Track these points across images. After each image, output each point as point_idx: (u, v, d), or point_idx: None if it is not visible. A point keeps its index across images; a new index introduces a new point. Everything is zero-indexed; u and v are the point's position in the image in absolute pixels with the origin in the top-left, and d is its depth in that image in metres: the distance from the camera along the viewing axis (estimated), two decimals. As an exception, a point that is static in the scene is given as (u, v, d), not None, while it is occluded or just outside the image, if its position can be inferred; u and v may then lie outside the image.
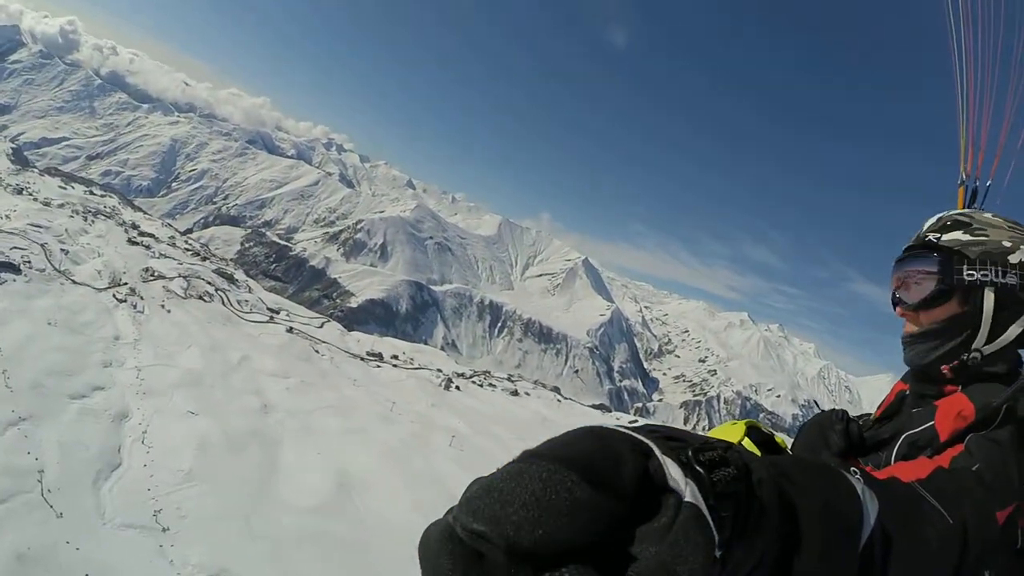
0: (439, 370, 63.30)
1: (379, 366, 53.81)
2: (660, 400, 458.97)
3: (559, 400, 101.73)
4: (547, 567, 0.50)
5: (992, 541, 1.20)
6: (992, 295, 1.58)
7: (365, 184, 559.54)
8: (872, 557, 0.84)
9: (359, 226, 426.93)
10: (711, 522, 0.59)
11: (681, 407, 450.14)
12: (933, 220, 1.73)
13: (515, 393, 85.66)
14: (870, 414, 1.98)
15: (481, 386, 79.60)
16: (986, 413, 1.43)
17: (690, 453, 0.66)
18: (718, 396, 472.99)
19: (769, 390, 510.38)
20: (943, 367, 1.65)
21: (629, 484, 0.56)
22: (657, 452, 0.62)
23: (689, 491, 0.59)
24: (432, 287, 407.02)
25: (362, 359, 53.47)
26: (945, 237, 1.65)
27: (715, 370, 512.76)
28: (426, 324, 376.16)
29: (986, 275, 1.58)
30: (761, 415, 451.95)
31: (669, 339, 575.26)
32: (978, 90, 2.07)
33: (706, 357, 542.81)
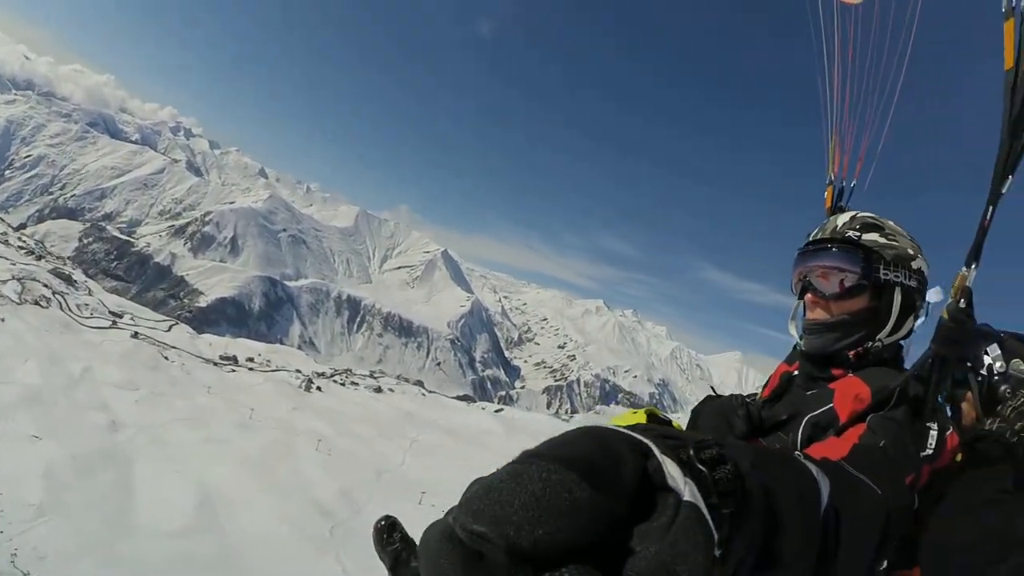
0: (298, 371, 62.06)
1: (234, 370, 52.07)
2: (523, 387, 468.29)
3: (423, 394, 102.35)
4: (547, 567, 0.50)
5: (907, 507, 1.42)
6: (900, 294, 1.78)
7: (214, 172, 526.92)
8: (827, 532, 0.90)
9: (207, 218, 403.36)
10: (710, 521, 0.59)
11: (544, 392, 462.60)
12: (847, 218, 1.87)
13: (378, 390, 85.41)
14: (756, 394, 2.13)
15: (343, 385, 78.74)
16: (883, 395, 1.58)
17: (691, 452, 0.68)
18: (578, 380, 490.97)
19: (626, 371, 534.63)
20: (850, 352, 1.80)
21: (629, 484, 0.57)
22: (656, 451, 0.62)
23: (688, 490, 0.60)
24: (287, 283, 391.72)
25: (215, 364, 51.48)
26: (865, 237, 1.80)
27: (574, 355, 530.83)
28: (281, 322, 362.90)
29: (897, 276, 1.77)
30: (619, 395, 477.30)
31: (529, 327, 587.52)
32: (844, 98, 2.35)
33: (565, 343, 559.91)
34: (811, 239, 1.93)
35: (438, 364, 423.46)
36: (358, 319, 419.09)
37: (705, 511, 0.59)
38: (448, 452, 60.45)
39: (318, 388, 59.92)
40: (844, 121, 2.29)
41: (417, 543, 1.70)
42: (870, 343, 1.81)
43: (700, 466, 0.66)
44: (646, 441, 0.63)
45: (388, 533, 2.12)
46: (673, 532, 0.55)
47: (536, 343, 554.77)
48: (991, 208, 1.57)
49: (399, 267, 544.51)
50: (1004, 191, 1.55)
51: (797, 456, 0.97)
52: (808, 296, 1.87)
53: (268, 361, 59.07)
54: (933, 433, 1.55)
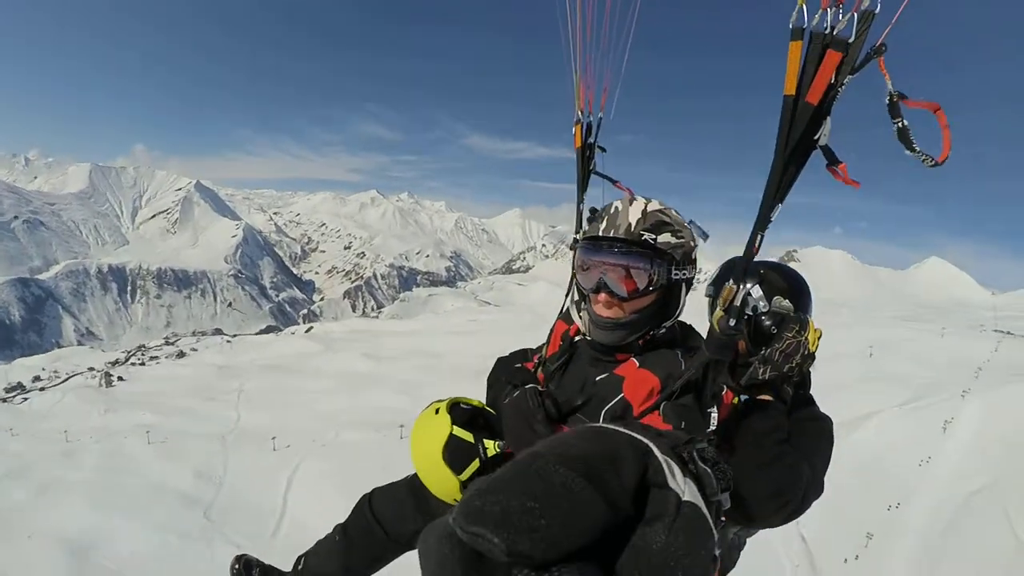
0: (91, 369, 57.35)
1: (26, 398, 46.98)
2: (322, 299, 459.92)
3: (228, 341, 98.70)
4: (548, 567, 0.51)
5: None
6: (686, 288, 1.93)
7: None
8: None
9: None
10: (711, 521, 0.60)
11: (345, 297, 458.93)
12: (638, 214, 1.85)
13: (181, 355, 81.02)
14: (542, 351, 2.21)
15: (143, 364, 73.57)
16: (671, 389, 1.71)
17: (694, 452, 0.69)
18: (374, 275, 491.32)
19: (417, 253, 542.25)
20: (639, 341, 1.91)
21: (629, 483, 0.57)
22: (656, 451, 0.62)
23: (688, 490, 0.60)
24: (39, 277, 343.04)
25: (3, 400, 46.07)
26: (660, 239, 1.83)
27: (363, 252, 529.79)
28: (50, 324, 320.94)
29: (685, 274, 1.88)
30: (419, 277, 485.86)
31: (309, 238, 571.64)
32: (587, 33, 2.22)
33: (350, 243, 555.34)
34: (603, 233, 1.90)
35: (229, 305, 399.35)
36: (129, 287, 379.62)
37: (705, 510, 0.60)
38: (278, 390, 60.29)
39: (119, 378, 56.02)
40: (586, 57, 2.29)
41: (276, 570, 2.87)
42: (655, 331, 1.92)
43: (704, 465, 0.68)
44: (646, 440, 0.63)
45: (247, 573, 2.62)
46: (674, 532, 0.55)
47: (321, 251, 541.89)
48: (760, 235, 1.54)
49: (153, 215, 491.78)
50: (773, 218, 1.51)
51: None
52: (602, 296, 1.90)
53: (56, 372, 53.75)
54: (714, 416, 1.70)
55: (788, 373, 1.91)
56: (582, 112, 2.37)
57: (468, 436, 1.94)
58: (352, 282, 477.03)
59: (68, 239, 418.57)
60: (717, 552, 0.60)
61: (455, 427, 1.94)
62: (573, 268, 2.05)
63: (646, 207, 1.88)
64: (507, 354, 2.43)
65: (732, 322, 1.60)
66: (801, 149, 1.45)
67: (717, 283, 2.37)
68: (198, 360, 71.68)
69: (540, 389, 1.96)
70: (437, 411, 2.02)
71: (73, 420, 41.62)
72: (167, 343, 75.81)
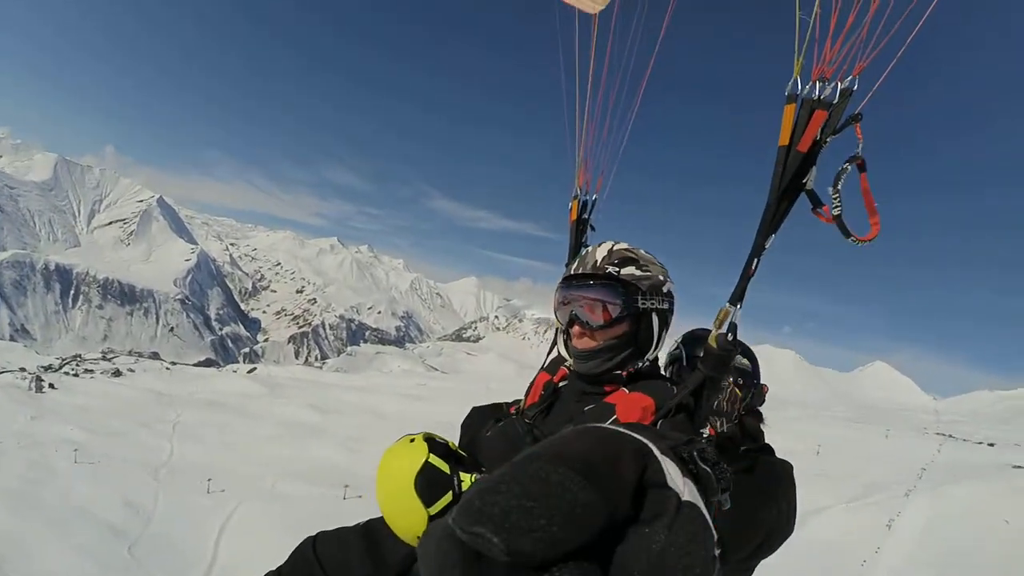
0: (22, 369, 54.15)
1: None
2: (266, 340, 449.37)
3: (167, 368, 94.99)
4: (548, 567, 0.51)
5: None
6: (656, 318, 2.02)
7: None
8: None
9: None
10: (710, 521, 0.60)
11: (289, 342, 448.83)
12: (605, 252, 2.03)
13: (117, 373, 77.72)
14: (520, 400, 2.32)
15: (77, 376, 70.26)
16: (667, 408, 1.79)
17: (694, 452, 0.70)
18: (323, 323, 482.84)
19: (369, 308, 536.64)
20: (622, 372, 2.01)
21: (629, 483, 0.57)
22: (656, 451, 0.62)
23: (688, 490, 0.60)
24: None
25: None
26: (623, 271, 1.98)
27: (315, 298, 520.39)
28: None
29: (653, 303, 2.00)
30: (367, 333, 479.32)
31: (262, 275, 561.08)
32: (587, 122, 2.68)
33: (303, 287, 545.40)
34: (573, 272, 2.07)
35: (171, 330, 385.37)
36: (72, 291, 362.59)
37: (705, 511, 0.60)
38: (216, 427, 57.68)
39: (51, 386, 53.10)
40: (588, 141, 2.70)
41: None
42: (639, 363, 2.03)
43: (704, 465, 0.69)
44: (645, 440, 0.64)
45: None
46: (674, 532, 0.55)
47: (272, 291, 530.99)
48: (756, 260, 1.79)
49: (110, 222, 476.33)
50: (768, 246, 1.78)
51: None
52: (575, 328, 2.03)
53: (-16, 363, 50.54)
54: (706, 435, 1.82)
55: (733, 418, 2.15)
56: (580, 190, 2.80)
57: (444, 467, 1.82)
58: (299, 327, 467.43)
59: (20, 227, 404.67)
60: (716, 552, 0.60)
61: (432, 455, 1.83)
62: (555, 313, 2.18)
63: (613, 246, 2.05)
64: (482, 405, 2.42)
65: (730, 336, 1.79)
66: (792, 188, 1.75)
67: (674, 353, 2.66)
68: (135, 382, 68.46)
69: (527, 421, 2.07)
70: (412, 440, 1.91)
71: (-3, 417, 39.05)
72: (104, 358, 72.48)
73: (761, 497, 2.02)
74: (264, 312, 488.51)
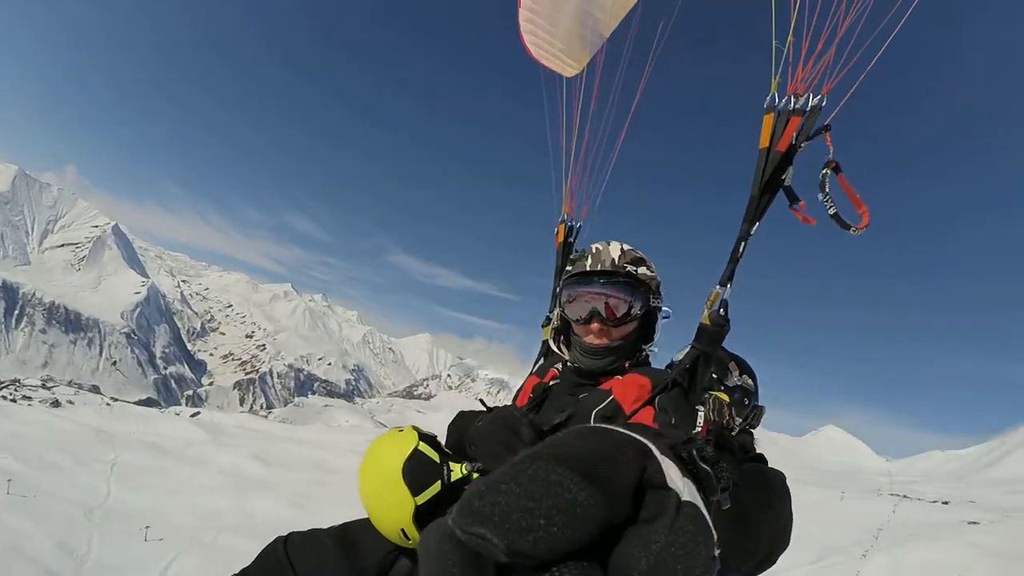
0: (-43, 389, 51.37)
1: None
2: (211, 384, 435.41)
3: (108, 404, 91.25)
4: (547, 567, 0.51)
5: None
6: (660, 316, 2.19)
7: None
8: None
9: None
10: (710, 521, 0.59)
11: (235, 388, 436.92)
12: (618, 252, 2.16)
13: (57, 404, 74.24)
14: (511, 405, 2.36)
15: (13, 401, 66.85)
16: (663, 385, 1.90)
17: (694, 451, 0.70)
18: (271, 371, 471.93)
19: (320, 359, 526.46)
20: (626, 363, 2.13)
21: (628, 483, 0.57)
22: (655, 451, 0.62)
23: (688, 490, 0.60)
24: None
25: None
26: (640, 271, 2.12)
27: (264, 345, 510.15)
28: None
29: (658, 302, 2.16)
30: (316, 384, 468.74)
31: (212, 316, 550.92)
32: (573, 152, 3.02)
33: (253, 332, 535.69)
34: (591, 269, 2.17)
35: (114, 363, 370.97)
36: (16, 311, 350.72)
37: (705, 511, 0.59)
38: (157, 472, 55.16)
39: (-14, 409, 50.22)
40: (575, 173, 3.03)
41: None
42: (640, 354, 2.19)
43: (703, 465, 0.69)
44: (644, 440, 0.63)
45: None
46: (673, 532, 0.55)
47: (221, 333, 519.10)
48: (743, 244, 2.03)
49: (63, 244, 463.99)
50: (753, 233, 2.03)
51: None
52: (595, 324, 2.13)
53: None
54: (701, 414, 1.95)
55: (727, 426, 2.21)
56: (567, 215, 3.07)
57: (434, 455, 1.82)
58: (246, 373, 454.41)
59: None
60: (716, 552, 0.60)
61: (422, 443, 1.83)
62: (560, 308, 2.29)
63: (623, 246, 2.19)
64: (467, 410, 2.42)
65: (722, 311, 1.98)
66: (772, 183, 2.02)
67: None
68: (73, 415, 65.49)
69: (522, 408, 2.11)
70: (401, 431, 1.91)
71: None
72: (44, 386, 69.32)
73: (760, 503, 2.05)
74: (211, 355, 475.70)
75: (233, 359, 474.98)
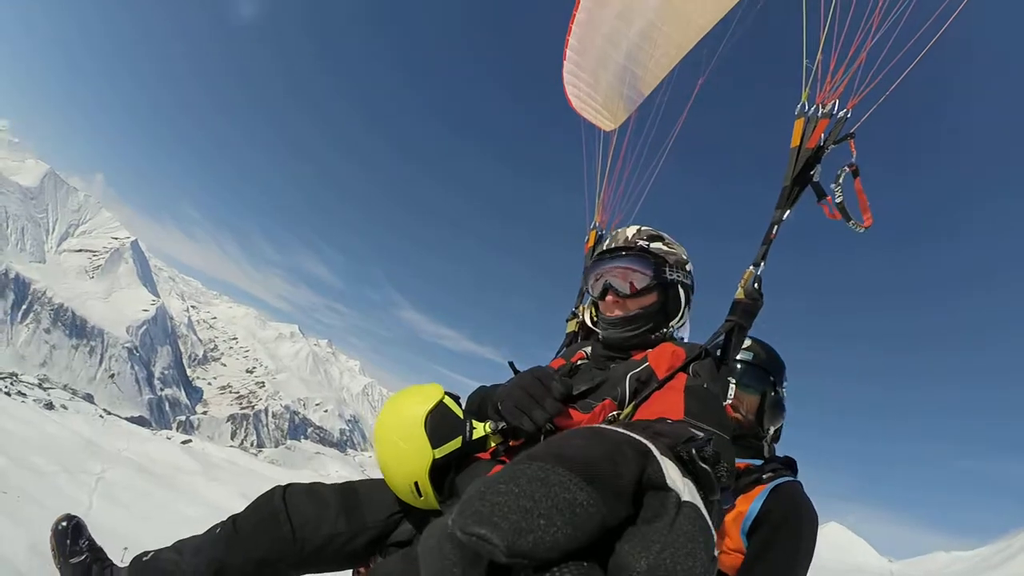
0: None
1: None
2: (205, 413, 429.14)
3: (102, 416, 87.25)
4: (547, 567, 0.52)
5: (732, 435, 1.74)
6: (682, 291, 2.19)
7: None
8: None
9: None
10: (710, 521, 0.60)
11: (228, 421, 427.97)
12: (634, 231, 2.25)
13: (50, 406, 70.58)
14: None
15: (8, 395, 63.40)
16: (696, 353, 1.90)
17: (693, 451, 0.71)
18: (266, 410, 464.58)
19: (317, 404, 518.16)
20: (652, 336, 2.16)
21: (628, 484, 0.58)
22: (655, 451, 0.63)
23: (688, 490, 0.61)
24: None
25: None
26: (652, 246, 2.18)
27: (263, 382, 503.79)
28: None
29: (679, 277, 2.18)
30: (309, 429, 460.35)
31: (216, 345, 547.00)
32: (605, 186, 3.32)
33: (254, 368, 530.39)
34: (607, 248, 2.26)
35: (112, 376, 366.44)
36: (24, 306, 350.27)
37: (704, 511, 0.60)
38: (142, 495, 51.10)
39: (-20, 399, 47.66)
40: (606, 198, 3.34)
41: (104, 550, 2.05)
42: (666, 329, 2.20)
43: (703, 465, 0.70)
44: (644, 440, 0.64)
45: (73, 539, 2.00)
46: (673, 532, 0.55)
47: (223, 364, 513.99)
48: (776, 227, 2.24)
49: (80, 249, 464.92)
50: (785, 218, 2.23)
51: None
52: (609, 297, 2.18)
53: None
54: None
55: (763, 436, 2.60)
56: (598, 224, 3.35)
57: (458, 410, 1.78)
58: (242, 408, 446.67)
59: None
60: (716, 553, 0.59)
61: (447, 397, 1.78)
62: (586, 290, 2.44)
63: (640, 227, 2.30)
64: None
65: (756, 285, 2.16)
66: (802, 176, 2.26)
67: None
68: (65, 420, 61.75)
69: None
70: (427, 385, 1.88)
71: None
72: (40, 386, 66.78)
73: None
74: (209, 384, 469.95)
75: (231, 391, 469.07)
